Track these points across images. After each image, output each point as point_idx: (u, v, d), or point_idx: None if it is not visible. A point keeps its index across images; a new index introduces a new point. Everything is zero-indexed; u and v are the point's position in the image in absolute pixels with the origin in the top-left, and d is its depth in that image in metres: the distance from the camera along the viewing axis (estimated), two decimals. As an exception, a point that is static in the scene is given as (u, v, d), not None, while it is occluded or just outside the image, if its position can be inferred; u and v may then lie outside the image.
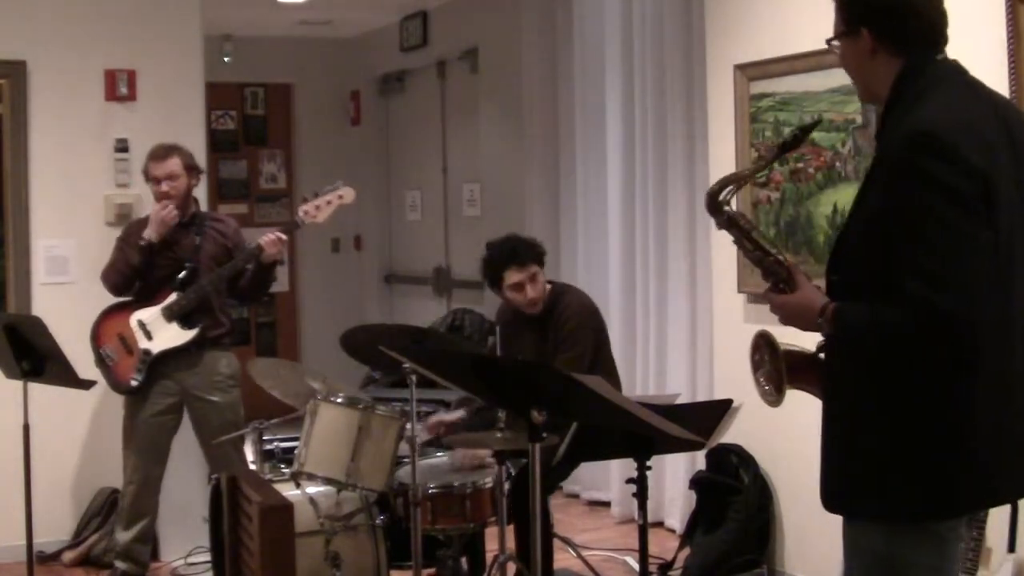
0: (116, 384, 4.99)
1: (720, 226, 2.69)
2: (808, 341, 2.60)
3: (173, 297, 4.93)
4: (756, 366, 2.68)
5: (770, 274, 2.59)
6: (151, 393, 4.98)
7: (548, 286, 4.70)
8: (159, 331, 4.93)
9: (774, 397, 2.64)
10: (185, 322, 4.95)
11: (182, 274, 4.96)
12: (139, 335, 4.93)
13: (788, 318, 2.54)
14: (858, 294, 2.38)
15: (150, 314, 4.93)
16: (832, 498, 2.48)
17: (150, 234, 4.92)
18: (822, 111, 4.57)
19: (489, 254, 4.68)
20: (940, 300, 2.22)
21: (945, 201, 2.25)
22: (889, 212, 2.31)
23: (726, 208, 2.65)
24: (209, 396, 5.04)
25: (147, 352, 4.92)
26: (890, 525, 2.37)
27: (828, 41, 2.59)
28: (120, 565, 5.07)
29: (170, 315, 4.93)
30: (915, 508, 2.35)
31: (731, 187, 2.66)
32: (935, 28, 2.48)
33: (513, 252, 4.60)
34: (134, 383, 4.93)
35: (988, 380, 2.34)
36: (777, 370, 2.60)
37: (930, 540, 2.37)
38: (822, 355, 2.56)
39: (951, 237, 2.24)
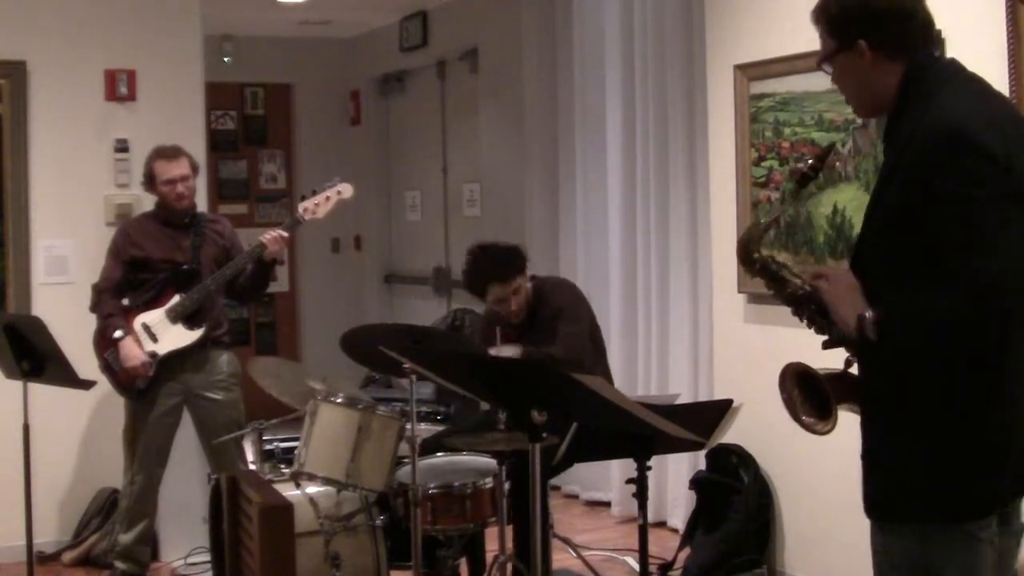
0: (124, 388, 4.99)
1: (753, 275, 2.66)
2: (833, 361, 2.54)
3: (176, 299, 4.93)
4: (790, 404, 2.56)
5: (803, 308, 2.53)
6: (158, 395, 4.98)
7: (529, 284, 4.66)
8: (164, 333, 4.93)
9: (823, 425, 2.50)
10: (189, 323, 4.95)
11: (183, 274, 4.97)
12: (144, 338, 4.92)
13: (837, 310, 2.42)
14: (878, 296, 2.36)
15: (154, 317, 4.93)
16: (874, 505, 2.45)
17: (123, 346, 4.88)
18: (822, 111, 4.57)
19: (471, 267, 4.63)
20: (989, 274, 2.21)
21: (980, 193, 2.23)
22: (916, 209, 2.28)
23: (756, 256, 2.62)
24: (212, 394, 5.05)
25: (153, 355, 4.91)
26: (926, 527, 2.36)
27: (819, 63, 2.52)
28: (120, 565, 5.08)
29: (175, 316, 4.92)
30: (951, 508, 2.34)
31: (760, 236, 2.67)
32: (929, 26, 2.47)
33: (494, 268, 4.55)
34: (142, 386, 4.94)
35: (1016, 376, 2.34)
36: (824, 394, 2.49)
37: (965, 542, 2.36)
38: (851, 369, 2.50)
39: (992, 226, 2.23)
